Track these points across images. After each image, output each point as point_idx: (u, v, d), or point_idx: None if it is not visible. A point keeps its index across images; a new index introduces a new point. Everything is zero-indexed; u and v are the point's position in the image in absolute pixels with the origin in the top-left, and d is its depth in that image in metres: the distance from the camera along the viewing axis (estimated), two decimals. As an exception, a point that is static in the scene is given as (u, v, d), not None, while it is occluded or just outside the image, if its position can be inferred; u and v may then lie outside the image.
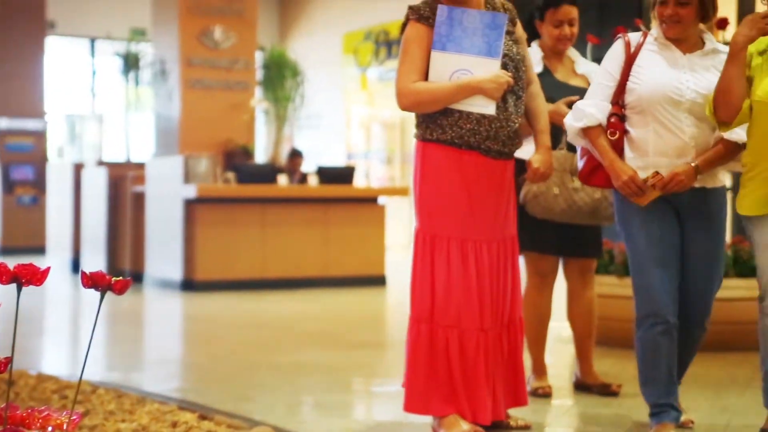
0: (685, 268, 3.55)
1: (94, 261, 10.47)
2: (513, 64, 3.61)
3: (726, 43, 3.43)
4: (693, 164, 3.42)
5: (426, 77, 3.58)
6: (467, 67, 3.54)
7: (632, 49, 3.54)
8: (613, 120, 3.55)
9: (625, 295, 5.70)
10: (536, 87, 3.79)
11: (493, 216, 3.62)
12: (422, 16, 3.60)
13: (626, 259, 5.79)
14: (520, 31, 3.75)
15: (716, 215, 3.57)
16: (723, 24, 5.54)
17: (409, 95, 3.58)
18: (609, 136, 3.55)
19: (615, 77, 3.56)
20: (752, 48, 3.22)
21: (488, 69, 3.54)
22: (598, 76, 3.65)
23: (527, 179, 3.80)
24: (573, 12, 4.39)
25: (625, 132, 3.56)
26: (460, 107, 3.57)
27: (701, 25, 3.52)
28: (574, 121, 3.62)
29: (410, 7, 3.63)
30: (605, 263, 5.76)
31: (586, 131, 3.58)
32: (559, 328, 5.62)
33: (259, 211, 9.50)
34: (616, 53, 3.59)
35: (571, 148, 4.15)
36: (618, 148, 3.56)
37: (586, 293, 4.53)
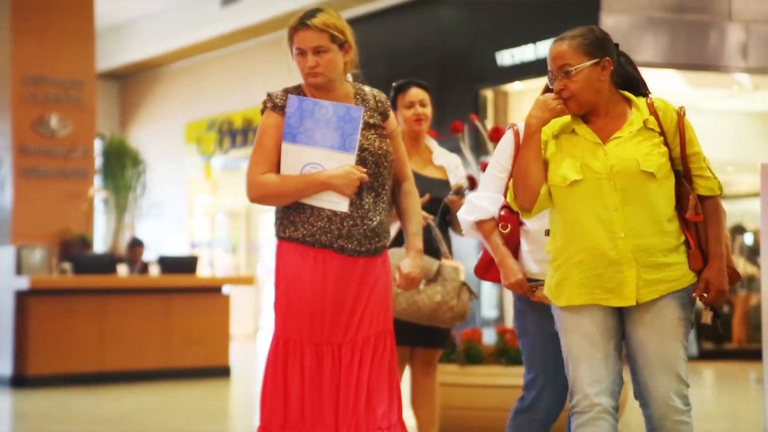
0: None
1: None
2: (373, 159, 3.44)
3: None
4: None
5: (278, 168, 3.42)
6: (318, 161, 3.39)
7: (521, 139, 3.36)
8: (503, 213, 3.48)
9: (467, 383, 5.76)
10: (410, 185, 3.61)
11: (349, 317, 3.42)
12: (276, 104, 3.44)
13: (468, 348, 5.88)
14: (393, 124, 3.57)
15: None
16: (457, 128, 5.55)
17: (255, 187, 3.43)
18: (501, 230, 3.49)
19: (507, 168, 3.51)
20: (547, 131, 3.11)
21: (341, 163, 3.38)
22: (490, 167, 3.58)
23: (397, 285, 3.55)
24: (422, 94, 4.51)
25: (520, 224, 3.50)
26: (312, 203, 3.41)
27: None
28: (466, 214, 3.54)
29: (268, 94, 3.48)
30: (448, 352, 5.80)
31: (479, 225, 3.51)
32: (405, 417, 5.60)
33: (97, 302, 9.22)
34: (506, 143, 3.54)
35: None
36: (513, 242, 3.51)
37: (428, 381, 4.55)
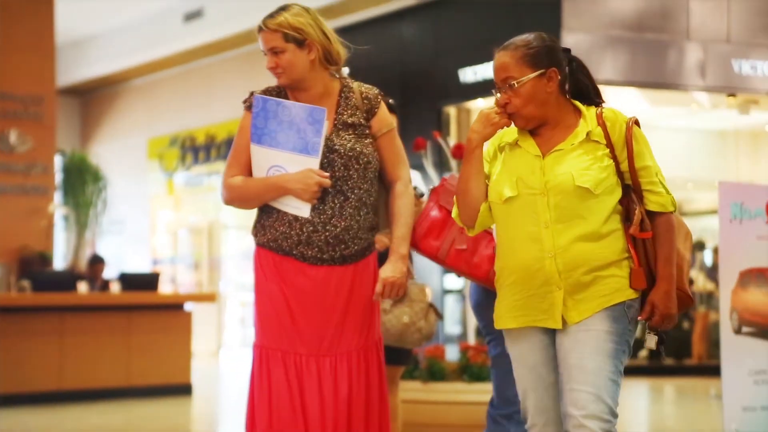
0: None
1: None
2: (342, 161, 3.30)
3: None
4: None
5: (251, 170, 3.35)
6: (281, 164, 3.29)
7: None
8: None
9: (430, 400, 5.76)
10: (401, 186, 3.41)
11: (322, 329, 3.29)
12: (251, 104, 3.36)
13: (431, 364, 5.88)
14: (380, 123, 3.42)
15: None
16: (419, 145, 5.59)
17: (224, 190, 3.38)
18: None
19: None
20: (494, 143, 3.02)
21: (304, 166, 3.27)
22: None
23: (377, 293, 3.34)
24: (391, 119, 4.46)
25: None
26: (278, 206, 3.31)
27: None
28: None
29: (250, 93, 3.40)
30: (411, 369, 5.79)
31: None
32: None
33: (56, 320, 9.11)
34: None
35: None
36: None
37: (391, 399, 4.53)
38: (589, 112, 2.93)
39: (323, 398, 3.28)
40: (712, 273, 12.12)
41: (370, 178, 3.36)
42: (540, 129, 2.95)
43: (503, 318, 2.96)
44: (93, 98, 17.67)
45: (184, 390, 9.57)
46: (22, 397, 8.80)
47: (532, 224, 2.87)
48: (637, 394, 10.21)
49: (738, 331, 4.87)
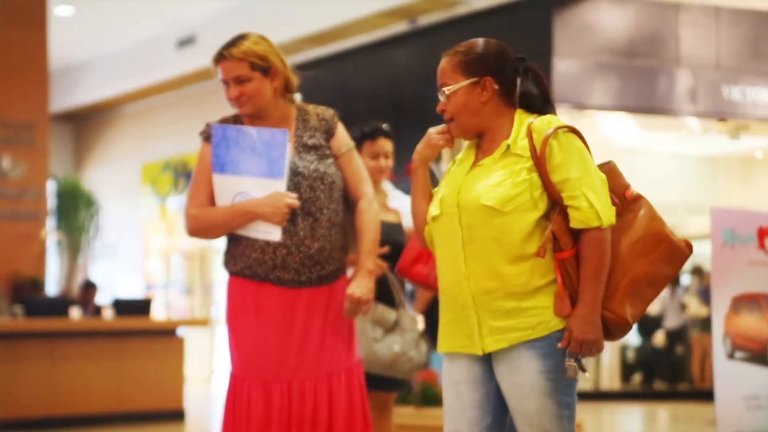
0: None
1: None
2: (308, 182, 3.29)
3: None
4: None
5: (213, 200, 3.32)
6: (247, 190, 3.27)
7: None
8: None
9: (423, 425, 5.75)
10: (365, 203, 3.41)
11: (298, 353, 3.27)
12: (209, 135, 3.34)
13: (424, 389, 5.88)
14: (340, 142, 3.41)
15: None
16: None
17: (188, 222, 3.34)
18: None
19: None
20: (452, 161, 2.89)
21: (271, 190, 3.25)
22: None
23: (344, 310, 3.33)
24: (388, 145, 4.41)
25: None
26: (246, 234, 3.28)
27: None
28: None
29: (206, 125, 3.39)
30: (404, 394, 5.79)
31: None
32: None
33: (48, 346, 9.08)
34: None
35: (376, 297, 3.86)
36: None
37: (384, 424, 4.52)
38: (522, 123, 2.73)
39: (303, 421, 3.25)
40: (707, 297, 12.15)
41: (336, 198, 3.37)
42: (481, 141, 2.80)
43: (438, 341, 2.83)
44: (86, 124, 17.68)
45: (176, 415, 9.54)
46: (13, 423, 8.75)
47: (452, 245, 2.72)
48: (630, 419, 10.20)
49: (731, 356, 4.88)
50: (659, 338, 12.64)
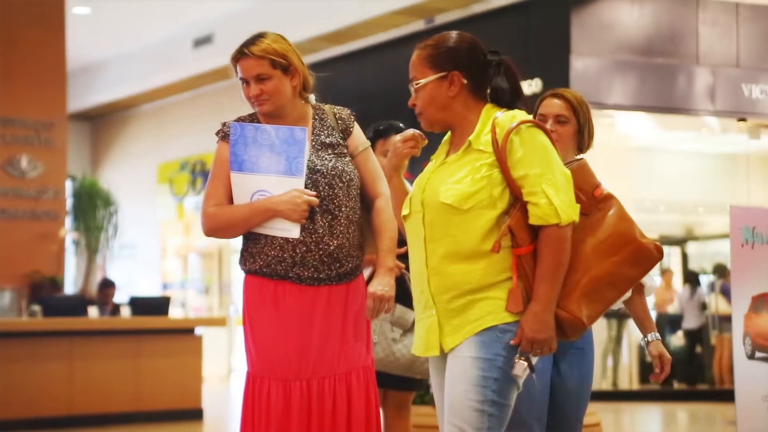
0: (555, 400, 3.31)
1: None
2: (326, 180, 3.28)
3: None
4: None
5: (231, 199, 3.31)
6: (266, 188, 3.26)
7: None
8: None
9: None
10: (382, 202, 3.37)
11: (318, 351, 3.26)
12: (226, 134, 3.33)
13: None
14: (357, 141, 3.41)
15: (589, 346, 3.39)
16: None
17: (206, 220, 3.32)
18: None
19: None
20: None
21: (289, 188, 3.24)
22: None
23: (367, 308, 3.30)
24: None
25: None
26: (264, 232, 3.26)
27: None
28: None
29: (222, 124, 3.37)
30: (422, 394, 5.77)
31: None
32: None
33: (66, 345, 9.10)
34: None
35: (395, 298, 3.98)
36: None
37: (402, 424, 4.51)
38: (488, 118, 2.69)
39: (323, 420, 3.25)
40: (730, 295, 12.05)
41: (354, 196, 3.34)
42: (452, 137, 2.77)
43: (413, 343, 2.81)
44: (104, 123, 17.75)
45: (194, 414, 9.55)
46: (32, 423, 8.78)
47: (417, 244, 2.70)
48: (648, 419, 10.15)
49: (751, 356, 4.84)
50: (678, 338, 12.58)
